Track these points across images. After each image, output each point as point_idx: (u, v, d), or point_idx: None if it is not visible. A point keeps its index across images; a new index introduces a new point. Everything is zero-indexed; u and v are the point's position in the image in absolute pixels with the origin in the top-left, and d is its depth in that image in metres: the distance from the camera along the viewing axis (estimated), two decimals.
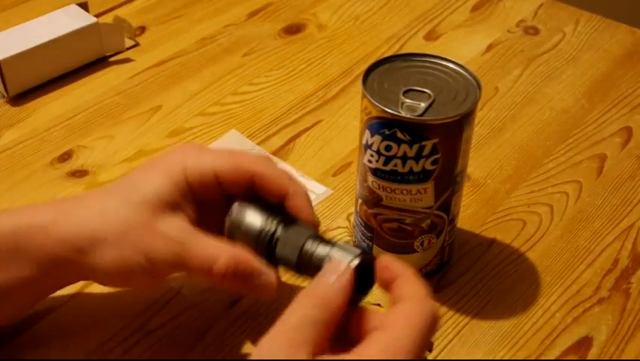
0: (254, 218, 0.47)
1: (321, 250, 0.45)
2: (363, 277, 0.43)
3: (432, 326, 0.39)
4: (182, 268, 0.46)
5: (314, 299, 0.40)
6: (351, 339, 0.41)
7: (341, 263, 0.42)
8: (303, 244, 0.45)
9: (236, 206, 0.48)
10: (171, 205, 0.46)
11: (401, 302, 0.40)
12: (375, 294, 0.46)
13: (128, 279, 0.47)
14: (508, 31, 0.85)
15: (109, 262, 0.46)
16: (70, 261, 0.46)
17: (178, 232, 0.46)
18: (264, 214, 0.47)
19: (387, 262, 0.42)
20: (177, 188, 0.47)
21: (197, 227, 0.47)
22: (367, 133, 0.51)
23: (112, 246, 0.46)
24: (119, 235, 0.46)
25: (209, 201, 0.48)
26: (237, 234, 0.47)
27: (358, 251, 0.43)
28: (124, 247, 0.46)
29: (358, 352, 0.38)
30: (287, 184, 0.48)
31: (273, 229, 0.47)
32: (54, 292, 0.50)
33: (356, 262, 0.42)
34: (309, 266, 0.45)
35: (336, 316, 0.40)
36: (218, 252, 0.45)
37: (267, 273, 0.46)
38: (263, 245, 0.47)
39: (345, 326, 0.41)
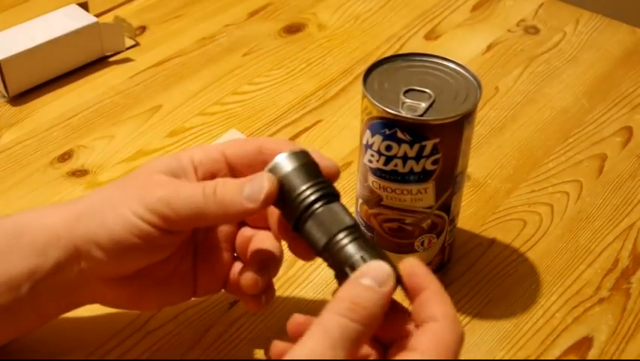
0: (298, 174, 0.43)
1: (352, 247, 0.41)
2: None
3: (460, 347, 0.39)
4: (176, 202, 0.43)
5: (356, 310, 0.37)
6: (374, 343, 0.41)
7: (384, 269, 0.39)
8: (338, 233, 0.42)
9: (283, 155, 0.44)
10: (170, 173, 0.45)
11: (434, 322, 0.39)
12: None
13: (129, 238, 0.44)
14: (509, 30, 0.85)
15: (107, 217, 0.44)
16: (68, 236, 0.44)
17: (170, 180, 0.45)
18: (310, 176, 0.43)
19: (413, 268, 0.40)
20: (180, 165, 0.46)
21: None
22: (368, 133, 0.51)
23: (110, 200, 0.45)
24: (117, 192, 0.45)
25: None
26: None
27: (389, 260, 0.41)
28: (120, 198, 0.44)
29: None
30: (291, 145, 0.47)
31: (313, 198, 0.42)
32: (49, 308, 0.48)
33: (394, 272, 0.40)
34: (333, 258, 0.41)
35: (374, 328, 0.38)
36: (205, 182, 0.44)
37: (257, 177, 0.43)
38: (293, 208, 0.43)
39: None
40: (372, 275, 0.39)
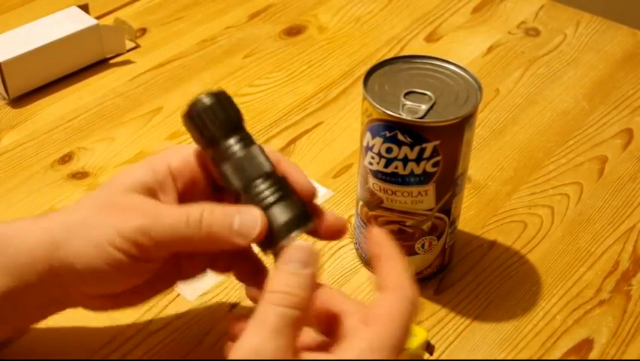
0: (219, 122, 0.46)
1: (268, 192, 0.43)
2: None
3: (413, 315, 0.40)
4: (156, 232, 0.42)
5: (287, 298, 0.39)
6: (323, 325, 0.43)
7: (306, 251, 0.40)
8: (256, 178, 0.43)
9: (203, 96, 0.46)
10: (145, 190, 0.44)
11: (384, 292, 0.40)
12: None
13: (106, 268, 0.43)
14: (509, 32, 0.85)
15: (83, 246, 0.43)
16: (46, 261, 0.43)
17: (147, 203, 0.44)
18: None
19: (378, 238, 0.43)
20: (154, 175, 0.45)
21: None
22: (368, 135, 0.51)
23: (85, 226, 0.43)
24: (92, 216, 0.44)
25: (197, 193, 0.46)
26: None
27: (302, 208, 0.43)
28: (95, 225, 0.43)
29: (342, 352, 0.38)
30: (278, 157, 0.47)
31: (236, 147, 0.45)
32: (35, 316, 0.47)
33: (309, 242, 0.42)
34: (249, 201, 0.43)
35: (308, 308, 0.40)
36: (189, 209, 0.43)
37: (247, 210, 0.42)
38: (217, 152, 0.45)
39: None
40: (295, 259, 0.40)
